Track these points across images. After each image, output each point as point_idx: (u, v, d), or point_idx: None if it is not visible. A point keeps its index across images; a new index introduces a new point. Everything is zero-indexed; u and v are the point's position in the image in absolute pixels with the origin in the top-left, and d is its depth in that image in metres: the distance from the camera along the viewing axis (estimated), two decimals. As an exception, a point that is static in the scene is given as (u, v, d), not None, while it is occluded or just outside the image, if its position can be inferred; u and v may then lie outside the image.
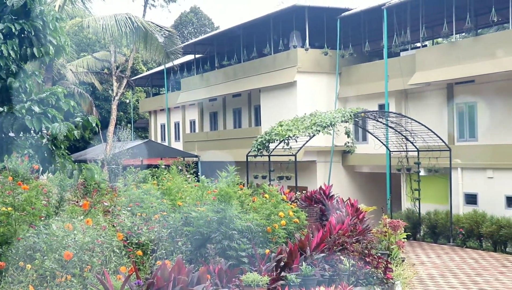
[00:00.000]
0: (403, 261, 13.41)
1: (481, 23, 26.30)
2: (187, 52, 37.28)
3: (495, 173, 21.52)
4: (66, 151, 8.33)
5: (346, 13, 27.34)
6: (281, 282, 8.99)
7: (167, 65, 36.63)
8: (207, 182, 12.71)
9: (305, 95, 27.70)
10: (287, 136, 19.96)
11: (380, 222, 15.62)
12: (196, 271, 8.02)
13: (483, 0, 23.09)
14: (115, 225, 9.99)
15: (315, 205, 16.09)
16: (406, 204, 24.42)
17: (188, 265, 8.81)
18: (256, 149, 20.59)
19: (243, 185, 14.48)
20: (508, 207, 20.94)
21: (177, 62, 35.84)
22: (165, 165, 17.49)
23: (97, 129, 8.26)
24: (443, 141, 22.29)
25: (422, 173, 23.19)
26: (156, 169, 17.66)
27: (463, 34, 28.68)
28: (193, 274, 7.62)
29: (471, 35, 25.55)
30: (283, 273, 9.19)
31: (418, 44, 28.53)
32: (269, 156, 20.80)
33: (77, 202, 12.10)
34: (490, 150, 21.88)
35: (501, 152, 21.38)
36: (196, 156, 33.37)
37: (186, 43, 37.97)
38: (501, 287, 14.65)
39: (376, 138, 23.45)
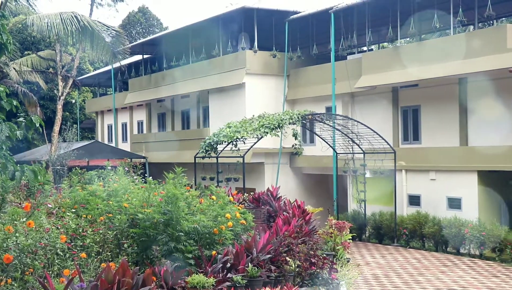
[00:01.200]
0: (348, 261, 13.62)
1: (425, 29, 26.93)
2: (135, 52, 36.90)
3: (437, 175, 22.08)
4: (8, 152, 8.13)
5: (295, 16, 27.59)
6: (227, 283, 9.01)
7: (115, 65, 36.15)
8: (154, 184, 12.61)
9: (254, 97, 27.82)
10: (235, 137, 20.01)
11: (326, 223, 15.83)
12: (141, 273, 7.96)
13: (426, 7, 23.66)
14: (59, 227, 9.80)
15: (262, 207, 16.17)
16: (352, 205, 24.80)
17: (134, 267, 8.73)
18: (204, 151, 20.57)
19: (191, 187, 14.43)
20: (450, 208, 21.52)
21: (125, 62, 35.42)
22: (111, 166, 17.25)
23: (41, 130, 8.10)
24: (388, 144, 22.74)
25: (367, 175, 23.60)
26: (103, 170, 17.40)
27: (408, 39, 29.31)
28: (138, 276, 7.56)
29: (415, 40, 26.14)
30: (229, 275, 9.21)
31: (365, 48, 29.05)
32: (217, 157, 20.80)
33: (19, 203, 11.82)
34: (433, 152, 22.45)
35: (443, 154, 21.96)
36: (144, 157, 33.05)
37: (134, 43, 37.60)
38: (442, 286, 15.05)
39: (323, 140, 23.74)
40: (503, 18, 28.37)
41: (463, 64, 21.08)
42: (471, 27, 25.68)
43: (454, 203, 21.50)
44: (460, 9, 21.65)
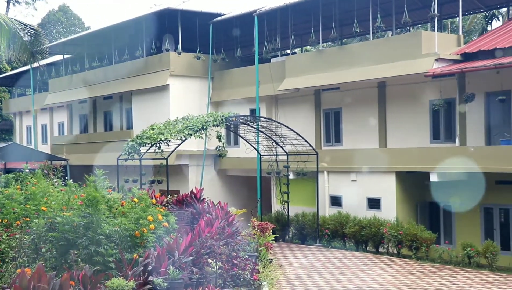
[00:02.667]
0: (270, 262, 13.78)
1: (346, 33, 27.61)
2: (55, 52, 35.92)
3: (358, 176, 22.66)
4: None
5: (219, 18, 27.65)
6: (148, 286, 8.94)
7: (34, 65, 35.03)
8: (75, 187, 12.36)
9: (178, 98, 27.67)
10: (158, 139, 19.84)
11: (249, 224, 15.96)
12: (59, 278, 7.78)
13: (347, 12, 24.27)
14: (-29, 232, 9.45)
15: (186, 209, 16.13)
16: (276, 206, 25.08)
17: (52, 272, 8.52)
18: (127, 153, 20.27)
19: (113, 189, 14.21)
20: (369, 209, 22.11)
21: (45, 62, 34.42)
22: (30, 169, 16.79)
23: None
24: (311, 146, 23.14)
25: (291, 176, 23.92)
26: (20, 173, 16.89)
27: (330, 43, 29.93)
28: (55, 282, 7.39)
29: (337, 44, 26.73)
30: (150, 278, 9.14)
31: (288, 51, 29.46)
32: (140, 159, 20.55)
33: None
34: (353, 154, 23.00)
35: (363, 156, 22.55)
36: (65, 160, 32.22)
37: (54, 42, 36.57)
38: (361, 284, 15.43)
39: (247, 142, 23.90)
40: (419, 25, 29.45)
41: (382, 68, 21.75)
42: (390, 32, 26.51)
43: (374, 204, 22.11)
44: (379, 15, 22.32)
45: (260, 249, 13.71)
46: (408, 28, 29.47)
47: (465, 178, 20.60)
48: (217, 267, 10.02)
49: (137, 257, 9.92)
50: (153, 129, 20.35)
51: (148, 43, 29.21)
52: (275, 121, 23.87)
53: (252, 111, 26.69)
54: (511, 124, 19.87)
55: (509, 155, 18.30)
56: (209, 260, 10.14)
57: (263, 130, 23.33)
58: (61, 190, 12.82)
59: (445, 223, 22.03)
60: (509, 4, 25.25)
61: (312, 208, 23.21)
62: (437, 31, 21.65)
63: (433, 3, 20.89)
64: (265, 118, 23.99)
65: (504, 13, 32.24)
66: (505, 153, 18.49)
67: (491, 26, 35.92)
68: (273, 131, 23.36)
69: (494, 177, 19.66)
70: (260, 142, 24.38)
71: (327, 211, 23.29)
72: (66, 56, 36.77)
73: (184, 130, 20.22)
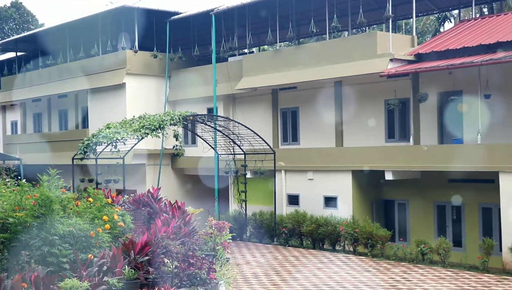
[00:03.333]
0: (228, 261, 13.75)
1: (303, 33, 27.81)
2: (7, 49, 35.20)
3: (315, 175, 22.85)
4: None
5: (176, 16, 27.51)
6: (103, 287, 8.84)
7: (-15, 62, 34.26)
8: (28, 186, 12.12)
9: (135, 97, 27.42)
10: (115, 138, 19.63)
11: (206, 223, 15.90)
12: (10, 280, 7.63)
13: (304, 12, 24.45)
14: None
15: (143, 208, 15.98)
16: (234, 205, 25.10)
17: (3, 273, 8.35)
18: (83, 152, 20.02)
19: (68, 189, 14.00)
20: (326, 207, 22.33)
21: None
22: (-19, 169, 16.40)
23: None
24: (268, 145, 23.23)
25: (248, 175, 23.98)
26: (-29, 173, 16.47)
27: (287, 42, 30.10)
28: (6, 283, 7.24)
29: (294, 44, 26.89)
30: (105, 278, 9.04)
31: (246, 50, 29.50)
32: (96, 159, 20.31)
33: None
34: (310, 153, 23.19)
35: (320, 155, 22.75)
36: (18, 159, 31.54)
37: (7, 39, 35.81)
38: (318, 282, 15.60)
39: (205, 141, 23.85)
40: (374, 26, 29.87)
41: (338, 68, 21.98)
42: (346, 32, 26.82)
43: (331, 202, 22.34)
44: (335, 16, 22.56)
45: (217, 248, 13.67)
46: (364, 28, 29.87)
47: (419, 176, 21.02)
48: (173, 266, 9.98)
49: (92, 257, 9.79)
50: (109, 128, 20.12)
51: (104, 41, 28.87)
52: (232, 120, 23.89)
53: (210, 110, 26.65)
54: (462, 123, 20.33)
55: (460, 154, 18.72)
56: (165, 260, 10.09)
57: (220, 129, 23.32)
58: (14, 190, 12.55)
59: (400, 220, 22.41)
60: (460, 6, 25.85)
61: (269, 207, 23.32)
62: (392, 32, 22.00)
63: (387, 4, 21.22)
64: (222, 117, 23.98)
65: (455, 15, 32.97)
66: (456, 152, 18.91)
67: (443, 28, 36.71)
68: (230, 130, 23.37)
69: (446, 175, 20.09)
70: (217, 141, 24.37)
71: (284, 209, 23.42)
72: (19, 54, 36.02)
73: (141, 129, 20.06)
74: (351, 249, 20.12)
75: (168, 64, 28.24)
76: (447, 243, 18.00)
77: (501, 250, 17.62)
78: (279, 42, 25.88)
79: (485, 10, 34.53)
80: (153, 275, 9.69)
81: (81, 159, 20.23)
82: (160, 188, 18.63)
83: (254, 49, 30.72)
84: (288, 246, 21.61)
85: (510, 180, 17.40)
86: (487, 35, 20.38)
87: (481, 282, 15.45)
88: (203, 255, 11.26)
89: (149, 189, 17.71)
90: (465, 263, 17.81)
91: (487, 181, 18.87)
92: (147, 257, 9.88)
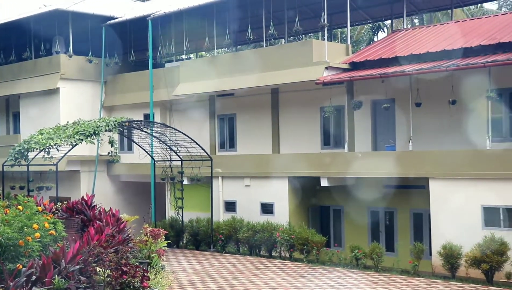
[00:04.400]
0: (163, 269, 13.67)
1: (240, 40, 27.92)
2: None
3: (252, 181, 22.92)
4: None
5: (112, 21, 27.12)
6: (32, 297, 8.61)
7: None
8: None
9: (69, 102, 26.85)
10: (47, 144, 19.15)
11: (141, 231, 15.74)
12: None
13: (241, 19, 24.56)
14: None
15: (76, 216, 15.68)
16: (170, 212, 24.90)
17: None
18: (13, 159, 19.42)
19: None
20: (263, 213, 22.43)
21: None
22: None
23: None
24: (205, 151, 23.17)
25: (185, 182, 23.84)
26: None
27: (225, 49, 30.16)
28: None
29: (231, 51, 26.97)
30: (34, 288, 8.80)
31: (183, 57, 29.37)
32: (27, 165, 19.77)
33: None
34: (247, 159, 23.27)
35: (257, 161, 22.86)
36: None
37: None
38: (254, 288, 15.63)
39: (141, 147, 23.58)
40: (310, 34, 30.29)
41: (275, 75, 22.17)
42: (283, 40, 27.10)
43: (267, 208, 22.46)
44: (272, 23, 22.76)
45: (152, 255, 13.57)
46: (300, 36, 30.26)
47: (353, 182, 21.40)
48: (106, 275, 9.81)
49: (21, 267, 9.52)
50: (42, 134, 19.63)
51: (37, 45, 28.14)
52: (169, 127, 23.70)
53: (146, 116, 26.39)
54: (395, 130, 20.85)
55: (392, 161, 19.18)
56: (97, 269, 9.91)
57: (157, 135, 23.11)
58: None
59: (335, 226, 22.76)
60: (392, 17, 26.56)
61: (206, 214, 23.25)
62: (328, 41, 22.38)
63: (323, 13, 21.57)
64: (159, 123, 23.78)
65: (388, 25, 33.83)
66: (389, 158, 19.36)
67: (377, 37, 37.60)
68: (167, 136, 23.19)
69: (379, 181, 20.54)
70: (154, 147, 24.13)
71: (221, 216, 23.40)
72: None
73: (75, 135, 19.65)
74: (287, 255, 20.27)
75: (104, 69, 27.80)
76: (380, 248, 18.38)
77: (431, 254, 18.13)
78: (217, 49, 25.89)
79: (416, 21, 35.63)
80: (85, 284, 9.50)
81: (12, 165, 19.64)
82: (94, 195, 18.33)
83: (191, 55, 30.62)
84: (225, 253, 21.58)
85: (439, 186, 17.96)
86: (417, 45, 21.00)
87: (412, 285, 15.84)
88: (137, 263, 11.14)
89: (83, 196, 17.40)
90: (397, 267, 18.23)
91: (419, 187, 19.40)
92: (78, 266, 9.68)
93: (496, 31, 19.64)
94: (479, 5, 34.83)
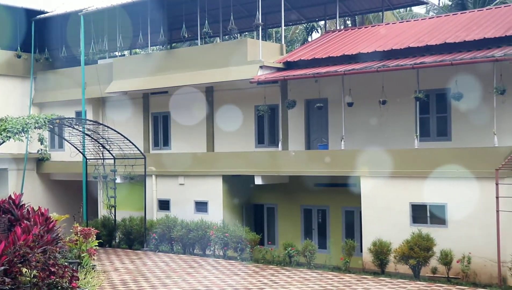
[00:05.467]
0: (93, 268, 13.43)
1: (175, 37, 27.73)
2: None
3: (186, 179, 22.81)
4: None
5: (42, 16, 26.42)
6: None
7: None
8: None
9: (-4, 98, 26.01)
10: (-28, 142, 18.49)
11: (71, 230, 15.42)
12: None
13: (176, 16, 24.40)
14: None
15: (3, 215, 15.17)
16: (103, 211, 24.49)
17: None
18: None
19: None
20: (197, 212, 22.37)
21: None
22: None
23: None
24: (139, 149, 22.90)
25: (118, 180, 23.51)
26: None
27: (159, 46, 29.88)
28: None
29: (165, 48, 26.76)
30: (-44, 291, 8.49)
31: (117, 53, 28.91)
32: (-49, 164, 19.04)
33: None
34: (182, 158, 23.14)
35: (191, 160, 22.75)
36: None
37: None
38: (187, 287, 15.58)
39: (73, 145, 23.07)
40: (246, 33, 30.38)
41: (210, 73, 22.14)
42: (218, 38, 27.09)
43: (201, 207, 22.41)
44: (207, 21, 22.71)
45: (82, 255, 13.31)
46: (236, 35, 30.32)
47: (287, 181, 21.63)
48: (32, 276, 9.56)
49: None
50: (-34, 131, 18.92)
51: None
52: (101, 124, 23.30)
53: (78, 114, 25.86)
54: (328, 130, 21.19)
55: (325, 159, 19.47)
56: (23, 269, 9.65)
57: (89, 133, 22.67)
58: None
59: (269, 224, 22.94)
60: (326, 18, 26.99)
61: (140, 212, 23.00)
62: (262, 40, 22.51)
63: (257, 12, 21.68)
64: (91, 121, 23.34)
65: (322, 26, 34.35)
66: (322, 157, 19.66)
67: (311, 37, 38.12)
68: (100, 134, 22.79)
69: (312, 179, 20.84)
70: (86, 145, 23.67)
71: (155, 215, 23.19)
72: None
73: (2, 132, 19.03)
74: (221, 253, 20.28)
75: (34, 64, 27.05)
76: (312, 245, 18.65)
77: (362, 251, 18.53)
78: (151, 46, 25.61)
79: (348, 22, 36.30)
80: (9, 286, 9.23)
81: None
82: (23, 194, 17.83)
83: (125, 52, 30.18)
84: (158, 252, 21.41)
85: (370, 184, 18.37)
86: (350, 46, 21.40)
87: (343, 282, 16.15)
88: (66, 263, 10.91)
89: (10, 195, 16.87)
90: (329, 264, 18.54)
91: (350, 185, 19.77)
92: (3, 267, 9.39)
93: (424, 34, 20.25)
94: (408, 8, 35.86)
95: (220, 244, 20.13)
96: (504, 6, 21.53)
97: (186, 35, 23.51)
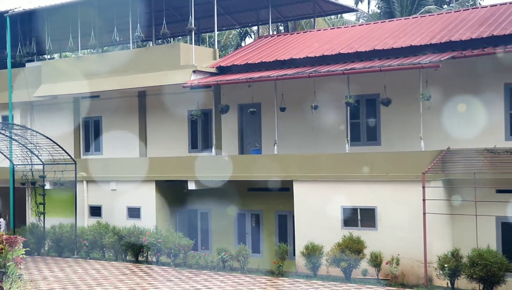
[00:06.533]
0: (20, 278, 13.02)
1: (107, 41, 27.29)
2: None
3: (118, 185, 22.46)
4: None
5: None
6: None
7: None
8: None
9: None
10: None
11: (-3, 239, 14.87)
12: None
13: (107, 20, 24.02)
14: None
15: None
16: (31, 218, 23.79)
17: None
18: None
19: None
20: (130, 218, 22.06)
21: None
22: None
23: None
24: (69, 155, 22.38)
25: (47, 186, 22.91)
26: None
27: (90, 49, 29.36)
28: None
29: (97, 52, 26.31)
30: None
31: (46, 56, 28.20)
32: None
33: None
34: (114, 163, 22.77)
35: (124, 165, 22.43)
36: None
37: None
38: (119, 294, 15.35)
39: (-1, 151, 22.37)
40: (179, 37, 30.23)
41: (142, 78, 21.92)
42: (151, 43, 26.84)
43: (134, 213, 22.11)
44: (139, 25, 22.48)
45: (8, 264, 12.87)
46: (169, 39, 30.12)
47: (221, 185, 21.62)
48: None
49: None
50: None
51: None
52: (30, 129, 22.67)
53: (5, 118, 25.07)
54: (261, 134, 21.34)
55: (258, 164, 19.60)
56: None
57: (16, 138, 22.00)
58: None
59: (203, 229, 22.86)
60: (259, 23, 27.21)
61: (70, 219, 22.46)
62: (196, 44, 22.47)
63: (190, 17, 21.62)
64: (18, 125, 22.67)
65: (255, 31, 34.61)
66: (255, 162, 19.77)
67: (245, 42, 38.33)
68: (28, 139, 22.15)
69: (246, 184, 20.91)
70: (13, 151, 22.96)
71: (86, 221, 22.74)
72: None
73: None
74: (154, 259, 20.06)
75: (-44, 67, 26.07)
76: (246, 249, 18.68)
77: (294, 255, 18.73)
78: (81, 49, 25.14)
79: (281, 28, 36.71)
80: None
81: None
82: None
83: (55, 55, 29.48)
84: (89, 259, 20.97)
85: (303, 188, 18.59)
86: (282, 51, 21.64)
87: (276, 286, 16.27)
88: (-9, 273, 10.53)
89: None
90: (262, 268, 18.63)
91: (283, 190, 19.96)
92: None
93: (354, 40, 20.71)
94: (339, 15, 36.58)
95: (153, 250, 19.91)
96: (429, 15, 22.28)
97: (117, 39, 23.18)
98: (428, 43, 18.37)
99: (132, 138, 23.71)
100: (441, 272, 15.48)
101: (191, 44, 22.08)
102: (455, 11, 22.29)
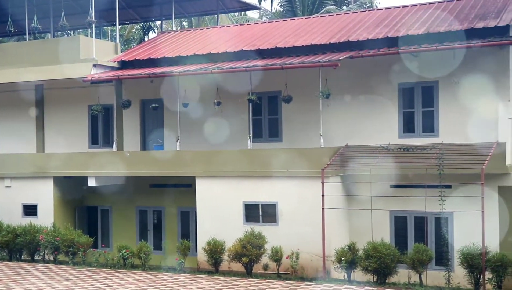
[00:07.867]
0: None
1: (1, 32, 26.12)
2: None
3: (13, 182, 21.59)
4: None
5: None
6: None
7: None
8: None
9: None
10: None
11: None
12: None
13: (1, 9, 22.99)
14: None
15: None
16: None
17: None
18: None
19: None
20: (25, 216, 21.26)
21: None
22: None
23: None
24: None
25: None
26: None
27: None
28: None
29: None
30: None
31: None
32: None
33: None
34: (8, 159, 21.86)
35: (19, 161, 21.59)
36: None
37: None
38: (12, 295, 14.78)
39: None
40: (80, 30, 29.40)
41: (39, 71, 21.16)
42: (49, 34, 25.93)
43: (30, 210, 21.33)
44: (35, 16, 21.67)
45: None
46: (69, 32, 29.24)
47: (122, 182, 21.25)
48: None
49: None
50: None
51: None
52: None
53: None
54: (164, 130, 21.17)
55: (160, 160, 19.43)
56: None
57: None
58: None
59: (103, 226, 22.39)
60: (162, 18, 26.95)
61: (-40, 218, 21.36)
62: (97, 38, 21.95)
63: (90, 9, 21.08)
64: None
65: (158, 26, 34.25)
66: (157, 158, 19.59)
67: (148, 37, 37.82)
68: None
69: (148, 180, 20.69)
70: None
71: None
72: None
73: None
74: (52, 258, 19.46)
75: None
76: (147, 246, 18.47)
77: (196, 251, 18.73)
78: (-26, 40, 23.95)
79: (185, 23, 36.55)
80: None
81: None
82: None
83: None
84: (-19, 260, 20.04)
85: (205, 184, 18.61)
86: (185, 47, 21.56)
87: (177, 282, 16.21)
88: None
89: None
90: (164, 265, 18.49)
91: (186, 186, 19.90)
92: None
93: (257, 38, 20.95)
94: (243, 12, 36.87)
95: (50, 248, 19.29)
96: (329, 16, 22.91)
97: (12, 30, 22.25)
98: (328, 42, 18.88)
99: (29, 133, 22.85)
100: (338, 265, 15.97)
101: (92, 37, 21.54)
102: (353, 12, 23.04)
